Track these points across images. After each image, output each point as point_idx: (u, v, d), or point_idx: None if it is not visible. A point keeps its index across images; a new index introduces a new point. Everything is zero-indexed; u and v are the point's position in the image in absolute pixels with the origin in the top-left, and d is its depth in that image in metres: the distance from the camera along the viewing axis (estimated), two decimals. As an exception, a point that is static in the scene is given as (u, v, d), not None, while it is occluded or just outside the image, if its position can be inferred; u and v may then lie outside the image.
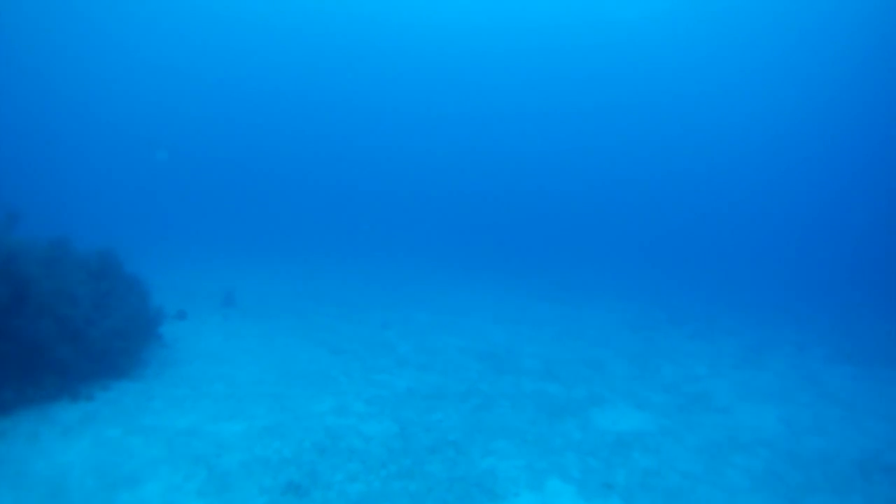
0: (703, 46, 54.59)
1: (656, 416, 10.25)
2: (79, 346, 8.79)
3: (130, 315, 10.10)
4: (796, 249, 48.40)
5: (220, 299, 16.09)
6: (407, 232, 44.20)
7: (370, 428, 8.34)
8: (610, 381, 12.17)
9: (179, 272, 20.58)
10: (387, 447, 7.74)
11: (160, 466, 6.67)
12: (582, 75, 62.72)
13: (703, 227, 56.13)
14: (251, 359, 11.25)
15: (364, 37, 60.81)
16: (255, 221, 41.05)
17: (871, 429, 10.73)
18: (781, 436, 9.97)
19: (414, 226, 47.93)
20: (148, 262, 16.71)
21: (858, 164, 58.02)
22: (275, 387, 9.74)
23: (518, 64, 62.03)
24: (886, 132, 51.99)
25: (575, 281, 27.86)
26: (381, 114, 70.36)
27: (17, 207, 10.05)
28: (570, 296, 23.20)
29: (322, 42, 61.81)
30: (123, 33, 54.85)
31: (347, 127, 70.89)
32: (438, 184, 66.70)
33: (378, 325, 15.19)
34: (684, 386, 12.35)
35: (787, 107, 57.13)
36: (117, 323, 9.59)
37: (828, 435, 10.21)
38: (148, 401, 8.57)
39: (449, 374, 11.46)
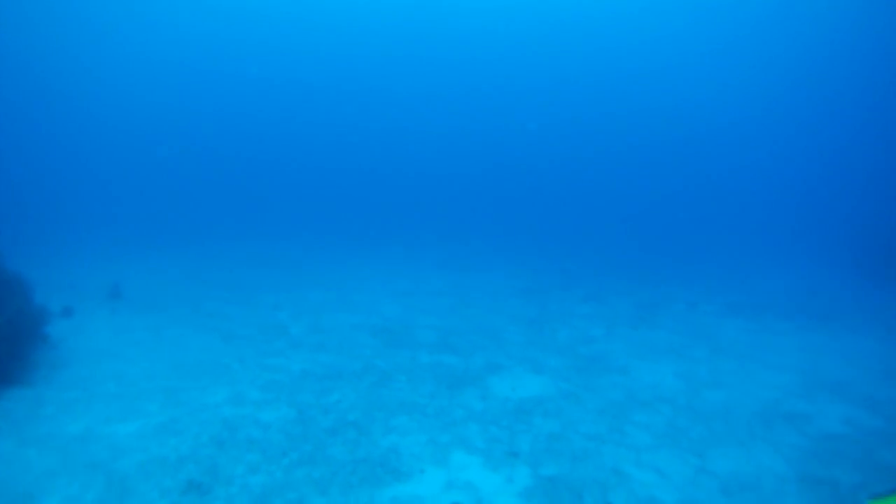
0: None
1: (555, 380, 10.57)
2: (-39, 356, 8.50)
3: (14, 316, 9.78)
4: (685, 212, 50.13)
5: (107, 292, 15.67)
6: (300, 210, 43.64)
7: (268, 415, 8.37)
8: (507, 348, 12.48)
9: (62, 266, 19.81)
10: (286, 434, 7.79)
11: (57, 478, 6.55)
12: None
13: (592, 191, 57.56)
14: (141, 353, 11.04)
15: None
16: (141, 211, 39.67)
17: (766, 379, 11.34)
18: (680, 391, 10.40)
19: (307, 203, 47.35)
20: (28, 256, 16.15)
21: (755, 125, 60.63)
22: (167, 381, 9.62)
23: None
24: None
25: (469, 249, 28.30)
26: (266, 92, 68.96)
27: None
28: (464, 264, 23.58)
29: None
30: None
31: (230, 107, 69.21)
32: (330, 157, 66.09)
33: (270, 307, 15.11)
34: (581, 348, 12.76)
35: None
36: (2, 326, 9.29)
37: (726, 387, 10.73)
38: (39, 407, 8.34)
39: (343, 353, 11.54)
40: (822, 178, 57.21)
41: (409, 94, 69.48)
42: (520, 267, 23.38)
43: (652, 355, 12.52)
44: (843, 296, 20.71)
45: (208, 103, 67.80)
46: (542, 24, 58.21)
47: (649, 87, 64.22)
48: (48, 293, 14.00)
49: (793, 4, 46.90)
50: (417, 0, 56.12)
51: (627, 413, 9.25)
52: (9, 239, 12.55)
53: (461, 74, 66.82)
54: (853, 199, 48.48)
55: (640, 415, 9.22)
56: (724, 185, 59.86)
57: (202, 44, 61.67)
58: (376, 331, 13.30)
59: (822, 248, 33.44)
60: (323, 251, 26.14)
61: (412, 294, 17.57)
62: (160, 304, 15.08)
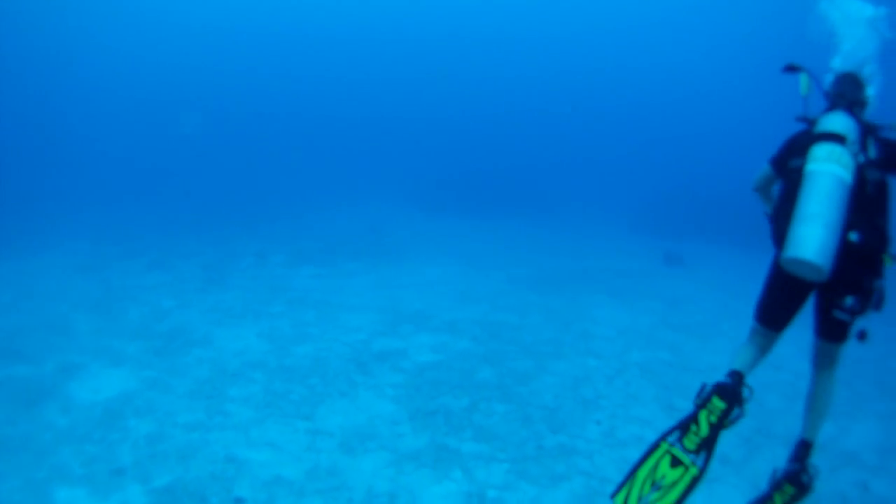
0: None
1: (137, 369, 9.75)
2: None
3: None
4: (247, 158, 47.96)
5: None
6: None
7: None
8: (78, 340, 11.17)
9: None
10: None
11: None
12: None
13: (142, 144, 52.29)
14: None
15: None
16: None
17: (349, 322, 11.90)
18: (269, 353, 10.31)
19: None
20: None
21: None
22: None
23: None
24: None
25: (12, 224, 24.74)
26: None
27: None
28: (9, 248, 20.58)
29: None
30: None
31: None
32: None
33: None
34: (154, 325, 11.95)
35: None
36: None
37: (312, 339, 10.93)
38: None
39: None
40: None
41: None
42: (77, 241, 20.66)
43: (230, 319, 12.25)
44: (404, 232, 22.80)
45: None
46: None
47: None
48: None
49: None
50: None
51: (221, 389, 8.94)
52: None
53: None
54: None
55: (235, 388, 8.97)
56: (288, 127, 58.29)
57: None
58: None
59: (383, 189, 35.58)
60: None
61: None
62: None
